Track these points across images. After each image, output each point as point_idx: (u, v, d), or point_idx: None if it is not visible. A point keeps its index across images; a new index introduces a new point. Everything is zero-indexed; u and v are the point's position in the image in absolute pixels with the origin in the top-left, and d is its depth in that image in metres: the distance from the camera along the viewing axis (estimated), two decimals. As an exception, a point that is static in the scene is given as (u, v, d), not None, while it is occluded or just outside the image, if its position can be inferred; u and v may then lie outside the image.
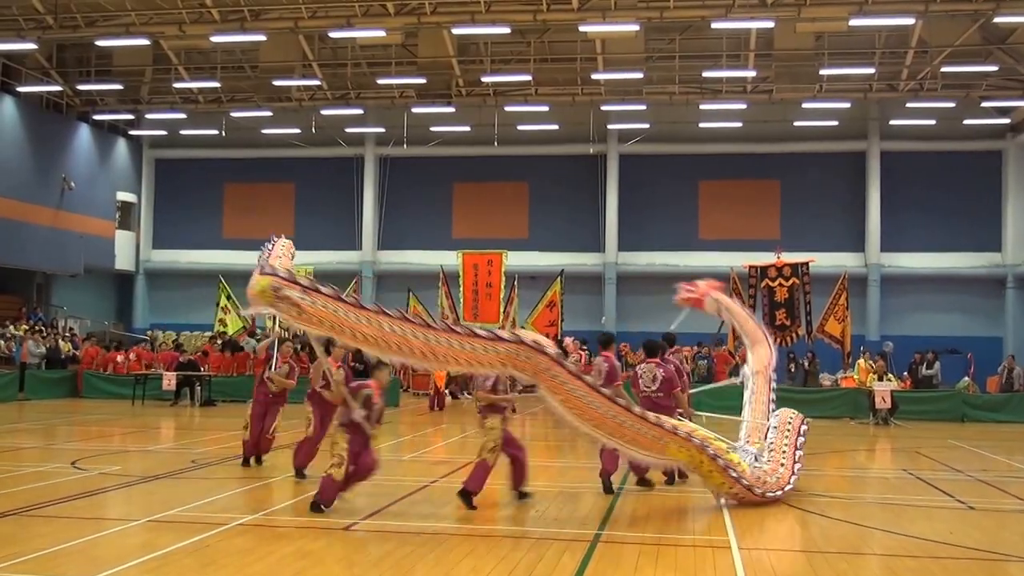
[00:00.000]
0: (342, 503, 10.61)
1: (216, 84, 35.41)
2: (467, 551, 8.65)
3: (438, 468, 14.18)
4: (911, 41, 31.40)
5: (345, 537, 9.30)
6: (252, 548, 8.60)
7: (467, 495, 10.67)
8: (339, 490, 10.47)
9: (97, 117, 38.40)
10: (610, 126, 37.98)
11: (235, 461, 14.28)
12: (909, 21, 29.05)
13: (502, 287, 30.48)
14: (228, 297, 30.89)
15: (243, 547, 8.63)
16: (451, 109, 36.34)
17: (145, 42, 31.82)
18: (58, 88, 35.64)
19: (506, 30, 29.87)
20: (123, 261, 40.52)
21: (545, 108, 36.08)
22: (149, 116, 39.57)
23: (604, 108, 36.47)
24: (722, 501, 11.28)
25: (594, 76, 33.53)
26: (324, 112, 37.34)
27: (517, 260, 32.82)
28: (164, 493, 11.47)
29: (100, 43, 32.00)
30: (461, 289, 30.56)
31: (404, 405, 26.46)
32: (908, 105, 34.82)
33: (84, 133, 38.12)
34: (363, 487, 12.24)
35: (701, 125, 36.77)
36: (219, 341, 29.21)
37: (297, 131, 38.83)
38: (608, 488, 11.88)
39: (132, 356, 28.84)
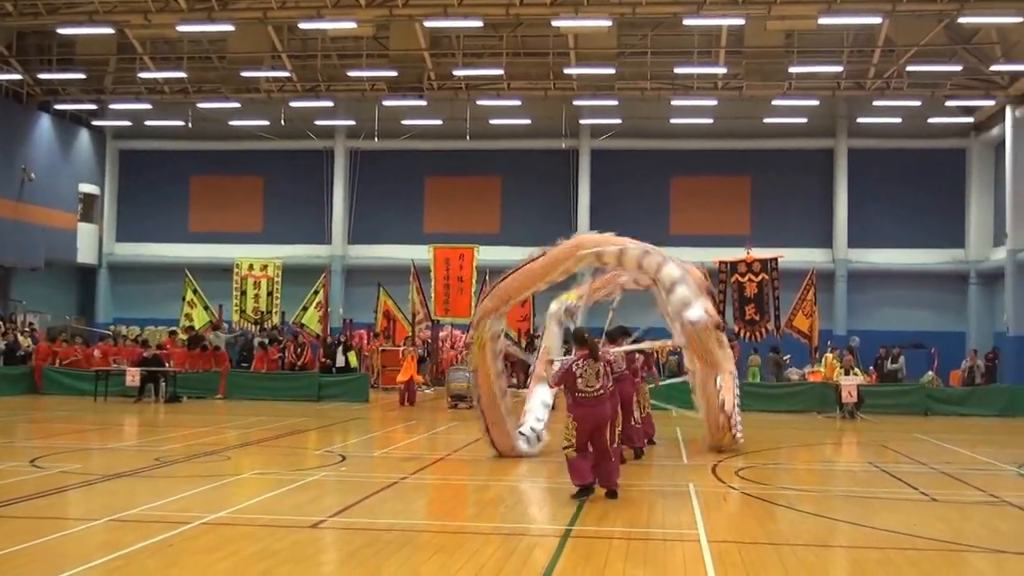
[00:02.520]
0: (313, 502, 10.53)
1: (182, 74, 34.96)
2: (436, 548, 8.59)
3: (407, 464, 14.04)
4: (878, 40, 31.65)
5: (312, 535, 9.14)
6: (217, 547, 8.42)
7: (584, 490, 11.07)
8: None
9: (59, 107, 37.92)
10: (582, 121, 38.01)
11: (200, 459, 14.14)
12: (876, 20, 29.31)
13: (473, 281, 30.38)
14: (194, 291, 30.62)
15: (208, 546, 8.46)
16: (423, 102, 36.21)
17: (109, 31, 31.44)
18: (18, 77, 34.98)
19: (478, 24, 29.80)
20: (85, 254, 40.01)
21: (517, 102, 36.04)
22: (113, 106, 39.02)
23: (576, 103, 36.48)
24: (692, 488, 11.57)
25: (566, 71, 33.54)
26: (293, 104, 37.03)
27: (489, 255, 32.63)
28: (127, 492, 11.24)
29: (62, 31, 31.57)
30: (432, 283, 30.45)
31: (374, 400, 26.30)
32: (875, 103, 35.15)
33: (45, 123, 37.62)
34: (330, 484, 12.21)
35: (672, 121, 36.88)
36: (182, 336, 28.87)
37: (266, 123, 38.50)
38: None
39: (97, 353, 28.33)
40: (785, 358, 28.48)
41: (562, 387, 11.42)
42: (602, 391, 11.09)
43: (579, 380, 11.08)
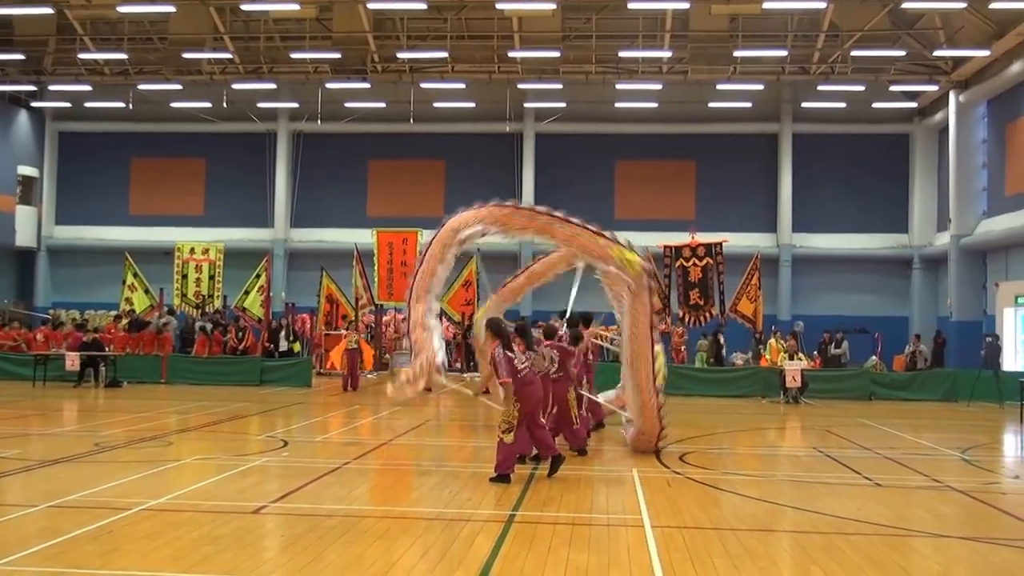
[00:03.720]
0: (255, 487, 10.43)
1: (123, 56, 34.31)
2: (380, 533, 8.55)
3: (350, 449, 14.03)
4: (823, 25, 31.88)
5: (254, 521, 9.08)
6: (158, 533, 8.34)
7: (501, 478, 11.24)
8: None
9: (-3, 88, 37.10)
10: (527, 104, 37.93)
11: (141, 444, 13.91)
12: (821, 5, 29.43)
13: (417, 266, 30.18)
14: (135, 275, 30.26)
15: (148, 532, 8.36)
16: (366, 85, 35.87)
17: (48, 11, 30.94)
18: (-46, 57, 34.26)
19: (423, 6, 29.52)
20: (24, 237, 39.36)
21: (462, 85, 35.83)
22: (52, 88, 38.22)
23: (521, 86, 36.37)
24: (635, 473, 11.68)
25: (511, 54, 33.37)
26: (236, 86, 36.54)
27: (432, 238, 32.48)
28: (66, 477, 11.07)
29: (0, 11, 30.79)
30: (376, 267, 30.28)
31: (316, 385, 26.14)
32: (819, 88, 35.30)
33: (-17, 104, 36.84)
34: (272, 470, 12.08)
35: (617, 105, 36.91)
36: (124, 320, 28.46)
37: (208, 105, 37.96)
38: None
39: (39, 337, 27.82)
40: (760, 346, 28.63)
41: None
42: (531, 366, 11.73)
43: (515, 361, 11.51)
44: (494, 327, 11.92)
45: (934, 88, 34.69)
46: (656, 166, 38.47)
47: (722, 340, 28.11)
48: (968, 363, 27.51)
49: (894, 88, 35.44)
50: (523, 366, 11.54)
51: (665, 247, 27.18)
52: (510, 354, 11.49)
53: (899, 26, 32.20)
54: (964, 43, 30.63)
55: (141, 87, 36.73)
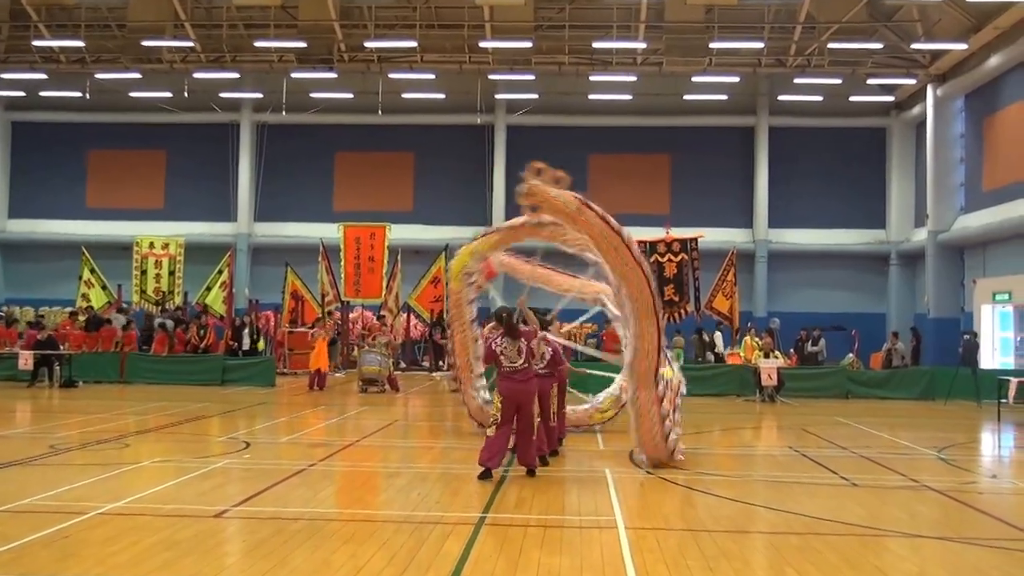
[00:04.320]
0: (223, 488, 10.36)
1: (80, 43, 33.84)
2: (346, 537, 8.38)
3: (316, 451, 13.75)
4: (799, 16, 31.74)
5: (216, 525, 8.87)
6: (115, 538, 8.11)
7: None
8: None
9: (-52, 77, 36.39)
10: (498, 96, 37.55)
11: (98, 446, 13.46)
12: (797, -4, 29.37)
13: (385, 261, 29.90)
14: (92, 270, 29.72)
15: (105, 537, 8.14)
16: (333, 75, 35.44)
17: (1, -5, 30.27)
18: (-96, 44, 33.51)
19: (390, -7, 29.18)
20: (-26, 231, 38.61)
21: (431, 76, 35.48)
22: (5, 76, 37.45)
23: (492, 77, 35.98)
24: (608, 474, 11.68)
25: (482, 44, 33.03)
26: (197, 75, 35.92)
27: (401, 233, 32.26)
28: (19, 481, 10.81)
29: (-50, -3, 30.23)
30: (342, 263, 29.91)
31: (281, 385, 25.72)
32: (796, 81, 35.22)
33: (-67, 93, 36.12)
34: (235, 472, 11.70)
35: (591, 97, 36.68)
36: (80, 316, 27.81)
37: (168, 95, 37.44)
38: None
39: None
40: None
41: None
42: (527, 365, 11.68)
43: (502, 357, 11.62)
44: (495, 314, 12.70)
45: (912, 81, 34.62)
46: (630, 159, 38.16)
47: (706, 337, 27.81)
48: (945, 361, 27.39)
49: (871, 81, 35.42)
50: (510, 364, 11.57)
51: (640, 242, 26.77)
52: (494, 347, 11.71)
53: (876, 18, 32.09)
54: (942, 36, 30.62)
55: (98, 76, 36.07)
